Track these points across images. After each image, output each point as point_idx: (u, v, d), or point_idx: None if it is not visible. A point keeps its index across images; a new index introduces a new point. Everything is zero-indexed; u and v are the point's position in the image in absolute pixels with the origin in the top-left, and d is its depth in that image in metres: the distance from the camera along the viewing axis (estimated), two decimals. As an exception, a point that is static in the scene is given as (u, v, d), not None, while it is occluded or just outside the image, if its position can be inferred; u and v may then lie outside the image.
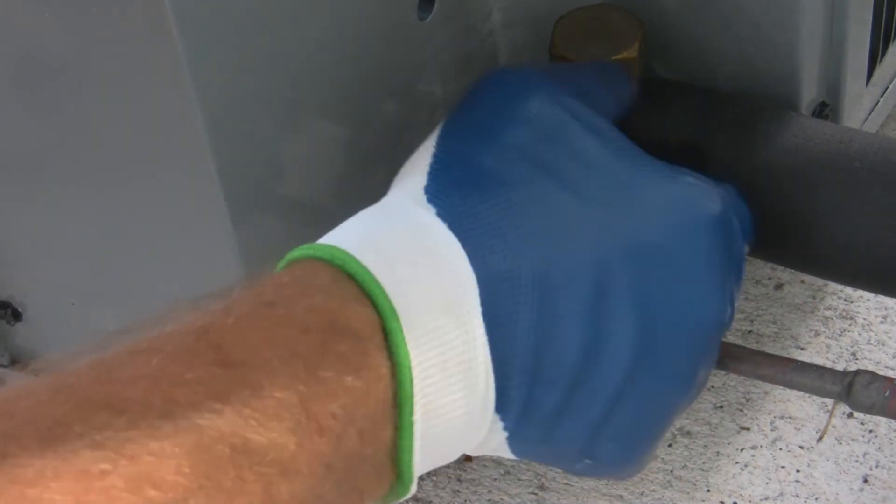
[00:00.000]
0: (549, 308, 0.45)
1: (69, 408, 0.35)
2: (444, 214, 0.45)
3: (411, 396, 0.41)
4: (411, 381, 0.41)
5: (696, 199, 0.49)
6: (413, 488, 0.43)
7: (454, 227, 0.45)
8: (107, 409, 0.35)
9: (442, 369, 0.42)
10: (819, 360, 0.80)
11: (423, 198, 0.46)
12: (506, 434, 0.46)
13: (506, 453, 0.48)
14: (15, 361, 0.70)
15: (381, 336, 0.41)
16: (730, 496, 0.75)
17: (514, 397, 0.45)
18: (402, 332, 0.41)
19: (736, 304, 0.51)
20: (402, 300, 0.42)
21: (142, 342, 0.38)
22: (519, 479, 0.78)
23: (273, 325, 0.40)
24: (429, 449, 0.43)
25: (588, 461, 0.49)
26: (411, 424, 0.41)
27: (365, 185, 0.58)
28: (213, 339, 0.38)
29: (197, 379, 0.37)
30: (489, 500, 0.77)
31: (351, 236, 0.44)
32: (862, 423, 0.77)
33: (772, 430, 0.78)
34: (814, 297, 0.83)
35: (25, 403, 0.35)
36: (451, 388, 0.42)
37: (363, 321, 0.41)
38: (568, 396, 0.46)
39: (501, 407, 0.45)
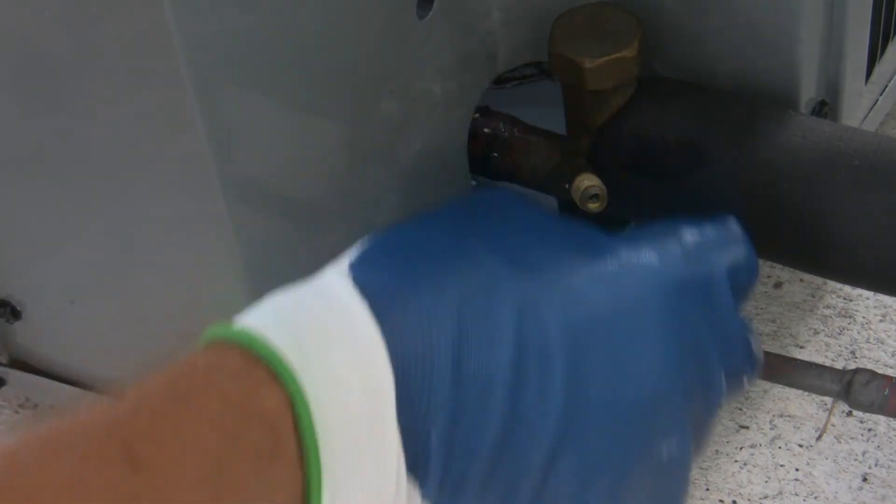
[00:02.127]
0: (464, 377, 0.43)
1: None
2: (363, 288, 0.44)
3: (320, 483, 0.41)
4: (319, 467, 0.41)
5: (640, 274, 0.47)
6: None
7: (372, 302, 0.44)
8: None
9: (352, 451, 0.41)
10: (818, 359, 0.80)
11: (347, 272, 0.45)
12: None
13: None
14: (14, 360, 0.70)
15: (293, 419, 0.41)
16: (729, 494, 0.75)
17: (432, 470, 0.44)
18: (309, 416, 0.41)
19: (722, 380, 0.48)
20: (311, 382, 0.41)
21: (53, 434, 0.38)
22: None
23: (183, 421, 0.39)
24: None
25: None
26: None
27: (364, 184, 0.58)
28: (125, 437, 0.38)
29: (107, 485, 0.36)
30: (489, 498, 0.77)
31: (265, 315, 0.43)
32: (861, 422, 0.77)
33: (771, 429, 0.78)
34: (813, 296, 0.83)
35: None
36: (362, 468, 0.42)
37: (275, 405, 0.41)
38: (492, 469, 0.45)
39: (423, 480, 0.44)
